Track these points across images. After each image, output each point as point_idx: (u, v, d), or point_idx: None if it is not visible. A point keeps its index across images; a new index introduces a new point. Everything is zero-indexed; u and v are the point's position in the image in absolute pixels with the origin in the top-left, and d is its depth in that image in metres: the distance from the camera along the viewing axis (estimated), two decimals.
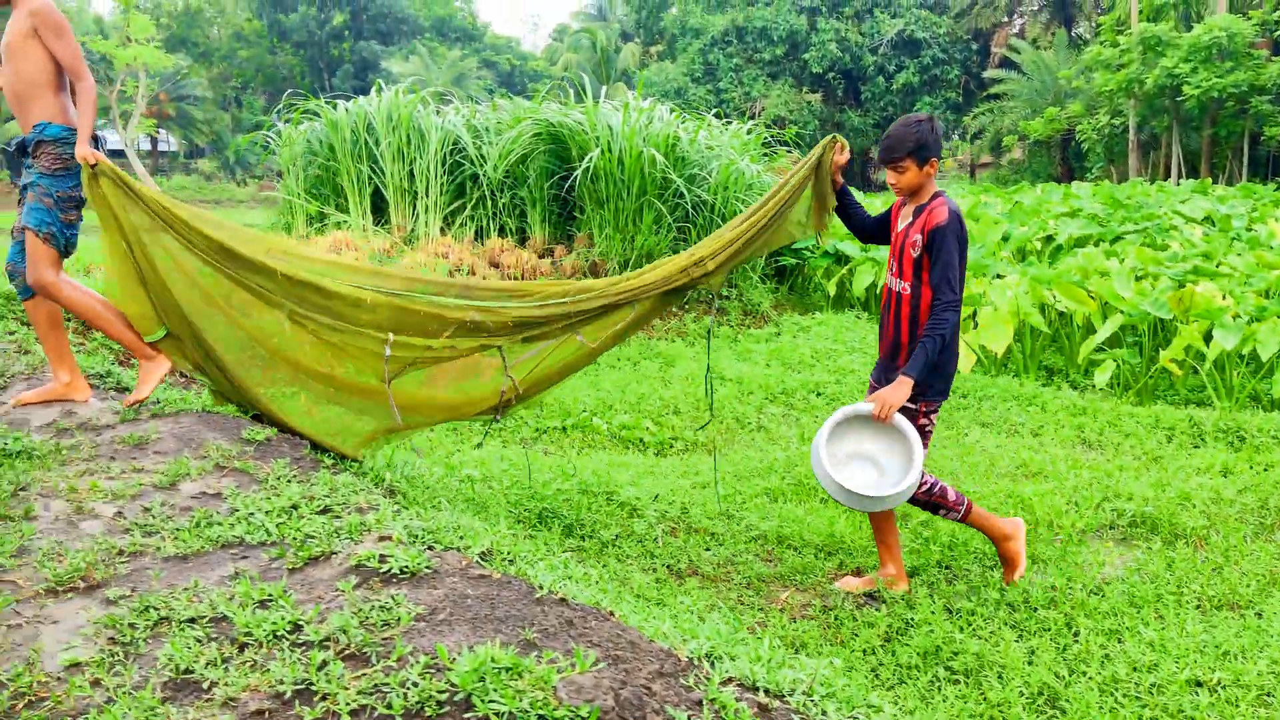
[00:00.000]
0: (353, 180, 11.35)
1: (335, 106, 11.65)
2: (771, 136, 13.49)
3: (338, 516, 3.07)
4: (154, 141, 55.18)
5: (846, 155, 4.49)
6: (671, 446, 6.69)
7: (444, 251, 9.77)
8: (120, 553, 2.81)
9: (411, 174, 11.24)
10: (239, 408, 4.25)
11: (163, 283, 3.95)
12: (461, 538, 2.93)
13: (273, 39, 56.50)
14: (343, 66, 55.14)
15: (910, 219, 4.22)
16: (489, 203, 11.17)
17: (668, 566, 4.40)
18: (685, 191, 10.35)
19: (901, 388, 4.00)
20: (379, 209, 11.58)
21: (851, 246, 11.13)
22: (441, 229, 11.09)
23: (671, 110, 11.14)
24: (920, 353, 4.00)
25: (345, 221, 11.27)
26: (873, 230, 4.52)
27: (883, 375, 4.32)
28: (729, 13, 46.77)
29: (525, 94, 21.71)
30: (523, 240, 10.96)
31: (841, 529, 4.88)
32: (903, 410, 4.11)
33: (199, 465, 3.53)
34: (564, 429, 6.84)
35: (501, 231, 11.10)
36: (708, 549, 4.65)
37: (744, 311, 10.49)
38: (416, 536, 2.87)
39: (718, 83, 45.69)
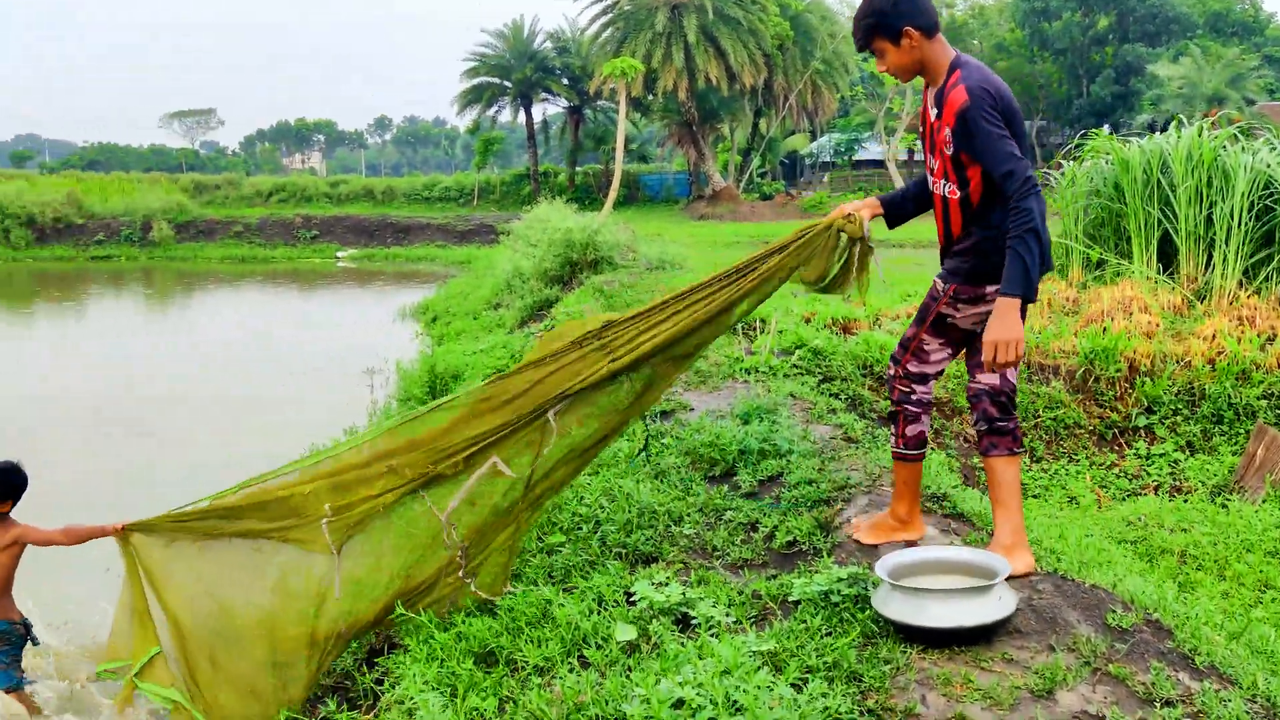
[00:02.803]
0: (1139, 225, 10.68)
1: (1126, 144, 11.05)
2: None
3: None
4: (910, 153, 58.07)
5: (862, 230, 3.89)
6: None
7: (1248, 315, 8.75)
8: None
9: (1209, 219, 10.26)
10: None
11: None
12: None
13: (1033, 48, 56.02)
14: (1103, 72, 52.83)
15: (936, 106, 3.55)
16: None
17: None
18: None
19: (1008, 318, 3.33)
20: (1165, 256, 10.77)
21: None
22: (1240, 282, 9.96)
23: None
24: (1015, 261, 3.32)
25: (1128, 269, 10.66)
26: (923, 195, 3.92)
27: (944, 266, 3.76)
28: None
29: None
30: None
31: None
32: (930, 293, 3.78)
33: (1070, 662, 3.08)
34: None
35: None
36: None
37: None
38: None
39: None
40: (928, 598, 3.24)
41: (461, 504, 4.12)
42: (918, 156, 57.83)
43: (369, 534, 4.16)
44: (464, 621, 4.07)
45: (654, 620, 3.59)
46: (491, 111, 53.44)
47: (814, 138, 58.62)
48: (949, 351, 3.87)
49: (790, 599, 3.63)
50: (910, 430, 3.92)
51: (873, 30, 3.58)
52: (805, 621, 3.41)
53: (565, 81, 51.51)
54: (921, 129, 3.77)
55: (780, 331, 8.98)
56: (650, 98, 45.48)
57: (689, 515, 4.69)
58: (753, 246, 26.79)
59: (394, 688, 3.89)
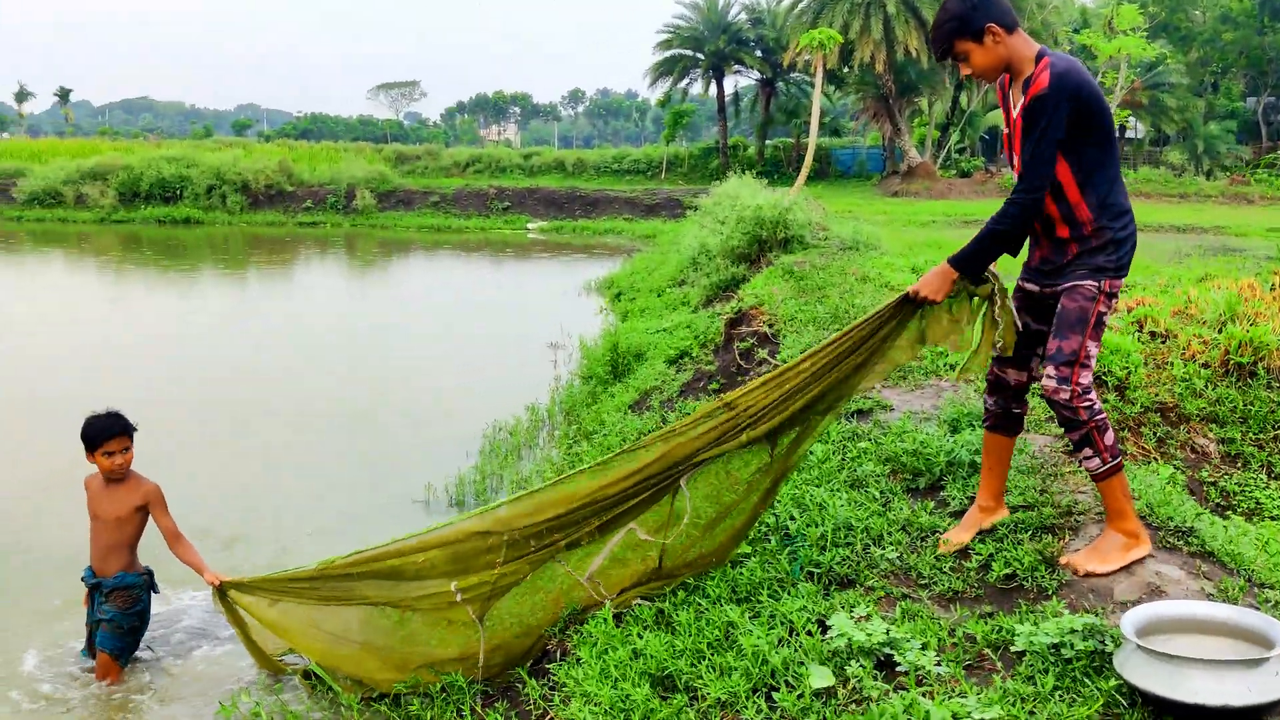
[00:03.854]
0: None
1: None
2: None
3: None
4: (1121, 130, 54.67)
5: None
6: None
7: None
8: None
9: None
10: None
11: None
12: None
13: (1263, 18, 51.69)
14: None
15: (1021, 99, 3.53)
16: None
17: None
18: None
19: (937, 279, 3.65)
20: None
21: None
22: None
23: None
24: (973, 240, 3.63)
25: None
26: None
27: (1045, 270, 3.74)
28: None
29: None
30: None
31: None
32: (1079, 292, 3.58)
33: None
34: None
35: None
36: None
37: None
38: None
39: None
40: (1189, 668, 2.72)
41: (604, 562, 4.22)
42: (1130, 134, 54.53)
43: (509, 596, 4.33)
44: (640, 636, 3.77)
45: (852, 661, 3.19)
46: (683, 84, 53.18)
47: None
48: (1100, 346, 3.72)
49: (1012, 648, 3.16)
50: (1108, 438, 3.60)
51: (954, 34, 3.56)
52: (1034, 680, 2.94)
53: (759, 54, 50.70)
54: (1006, 129, 3.73)
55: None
56: (846, 70, 44.21)
57: (890, 534, 4.24)
58: (950, 226, 25.67)
59: (564, 704, 3.63)
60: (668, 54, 51.86)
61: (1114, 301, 3.62)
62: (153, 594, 5.02)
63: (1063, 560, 3.75)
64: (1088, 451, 3.61)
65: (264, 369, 12.50)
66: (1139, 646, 2.81)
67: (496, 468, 8.16)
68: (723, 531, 4.18)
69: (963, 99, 48.35)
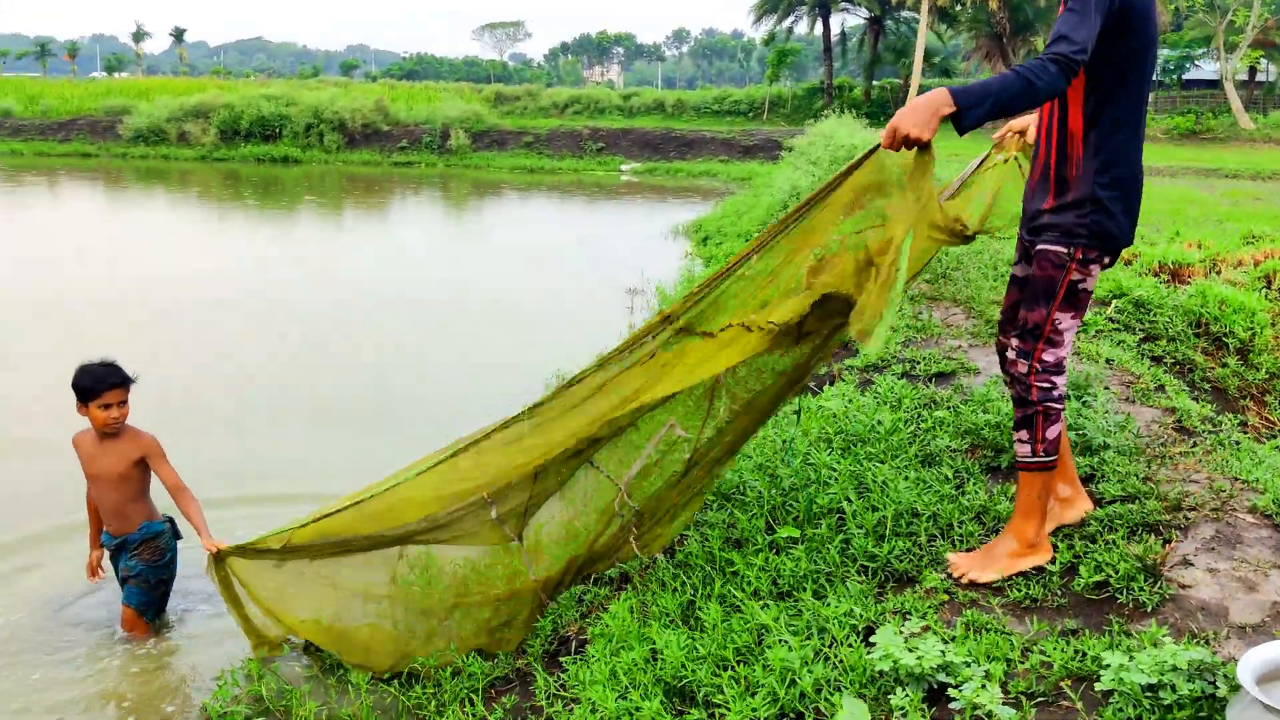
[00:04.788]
0: None
1: None
2: None
3: None
4: (1252, 72, 51.35)
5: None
6: None
7: None
8: None
9: None
10: None
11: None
12: None
13: None
14: None
15: None
16: None
17: None
18: None
19: (924, 109, 2.73)
20: None
21: None
22: None
23: None
24: (988, 82, 2.74)
25: None
26: None
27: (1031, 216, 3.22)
28: None
29: None
30: None
31: None
32: (1045, 257, 3.11)
33: None
34: None
35: None
36: None
37: None
38: None
39: None
40: None
41: (637, 474, 3.74)
42: (1260, 76, 51.24)
43: (544, 510, 3.84)
44: (660, 633, 3.26)
45: (898, 689, 2.63)
46: (788, 22, 51.64)
47: None
48: (1079, 322, 3.24)
49: (1097, 685, 2.56)
50: (1051, 432, 3.20)
51: None
52: None
53: None
54: None
55: None
56: (958, 7, 42.32)
57: (961, 524, 3.63)
58: None
59: (568, 711, 3.16)
60: None
61: (1093, 270, 3.14)
62: (177, 542, 4.69)
63: (948, 556, 3.39)
64: (1023, 434, 3.22)
65: (328, 313, 12.25)
66: (1260, 702, 2.19)
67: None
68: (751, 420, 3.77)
69: None
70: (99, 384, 4.32)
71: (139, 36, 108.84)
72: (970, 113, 2.74)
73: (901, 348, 6.02)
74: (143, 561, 4.51)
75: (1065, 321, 3.16)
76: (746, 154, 35.06)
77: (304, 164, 35.16)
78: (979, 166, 3.94)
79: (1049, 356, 3.17)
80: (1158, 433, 4.30)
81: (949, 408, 4.75)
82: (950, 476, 4.03)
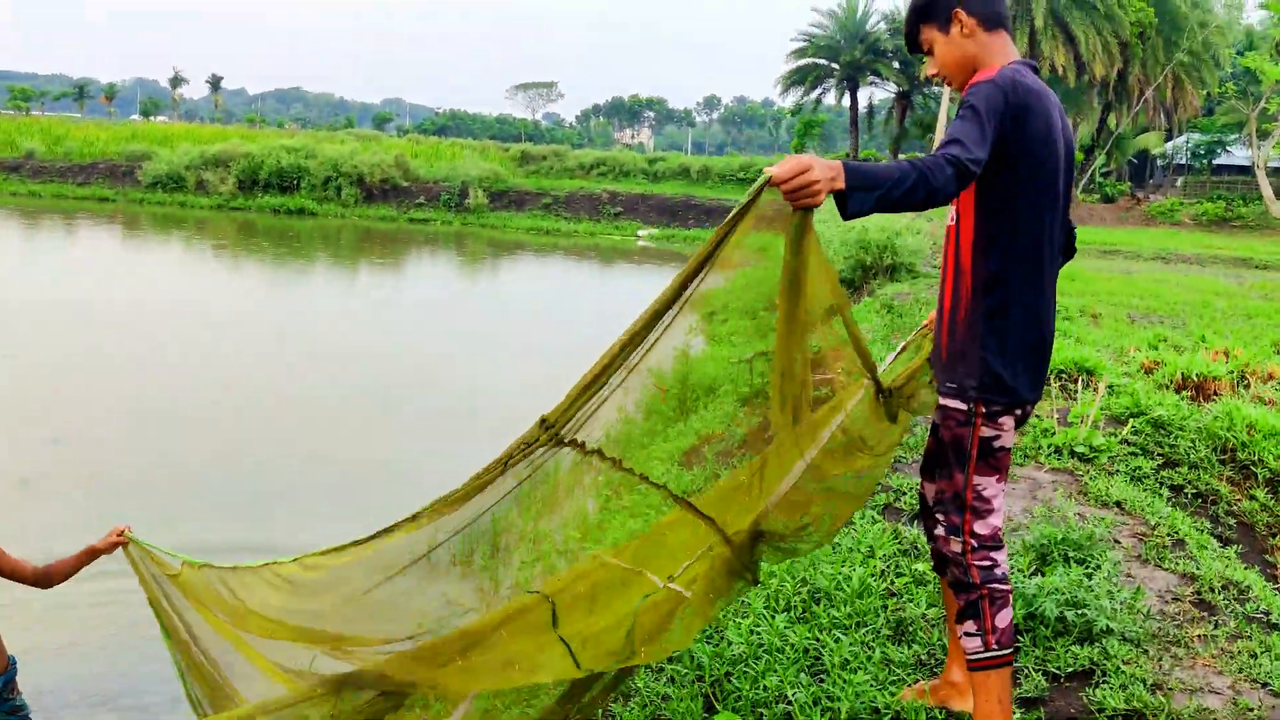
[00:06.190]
0: None
1: None
2: None
3: None
4: None
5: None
6: None
7: None
8: None
9: None
10: None
11: None
12: None
13: None
14: None
15: None
16: None
17: None
18: None
19: (826, 167, 2.18)
20: None
21: None
22: None
23: None
24: (882, 167, 2.25)
25: None
26: None
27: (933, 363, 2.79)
28: None
29: None
30: None
31: None
32: (952, 417, 2.65)
33: None
34: None
35: None
36: None
37: None
38: None
39: None
40: None
41: None
42: None
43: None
44: None
45: None
46: (815, 94, 51.63)
47: (1170, 137, 52.45)
48: (1004, 482, 2.77)
49: None
50: (1002, 618, 2.69)
51: (919, 17, 2.81)
52: None
53: (896, 65, 48.77)
54: None
55: (1110, 389, 6.91)
56: None
57: None
58: (1088, 255, 23.63)
59: None
60: (801, 63, 50.42)
61: (1005, 424, 2.67)
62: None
63: None
64: (970, 626, 2.70)
65: (316, 366, 11.75)
66: None
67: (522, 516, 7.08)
68: None
69: (1110, 120, 45.54)
70: None
71: (176, 82, 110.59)
72: (855, 195, 2.25)
73: (889, 472, 5.38)
74: (16, 702, 3.80)
75: (989, 486, 2.69)
76: (768, 224, 34.69)
77: (319, 217, 35.04)
78: (902, 351, 3.39)
79: (982, 529, 2.69)
80: (1175, 609, 3.64)
81: (929, 559, 4.09)
82: (924, 658, 3.37)
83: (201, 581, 3.24)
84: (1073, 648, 3.26)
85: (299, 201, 35.81)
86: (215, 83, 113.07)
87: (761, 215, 2.38)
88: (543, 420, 2.35)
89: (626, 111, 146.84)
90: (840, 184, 2.22)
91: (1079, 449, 5.70)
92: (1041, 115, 2.60)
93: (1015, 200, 2.61)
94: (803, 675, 3.24)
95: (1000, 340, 2.62)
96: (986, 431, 2.65)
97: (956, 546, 2.71)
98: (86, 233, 27.78)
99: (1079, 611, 3.38)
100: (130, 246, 25.95)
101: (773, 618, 3.59)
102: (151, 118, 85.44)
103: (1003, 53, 2.75)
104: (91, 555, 3.42)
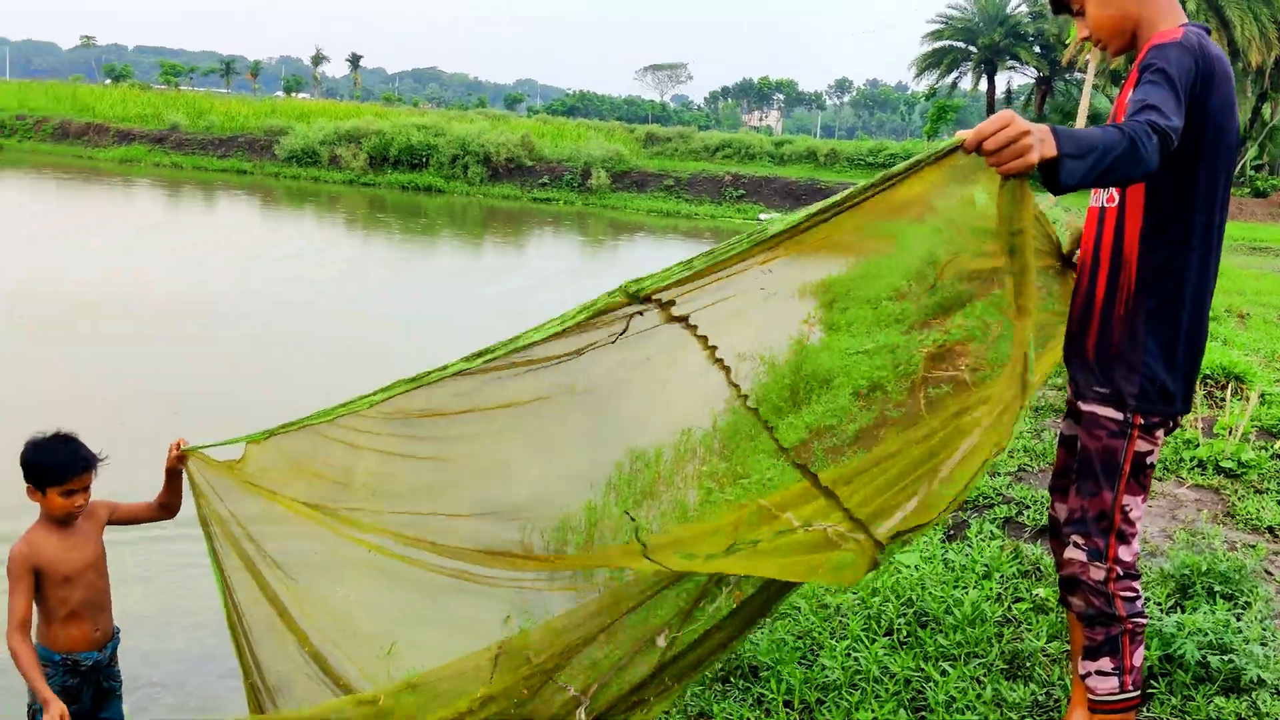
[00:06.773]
0: None
1: None
2: None
3: None
4: None
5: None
6: None
7: None
8: None
9: None
10: None
11: None
12: None
13: None
14: None
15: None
16: None
17: None
18: None
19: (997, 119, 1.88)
20: None
21: None
22: None
23: None
24: (1085, 132, 1.90)
25: None
26: None
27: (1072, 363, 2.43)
28: None
29: None
30: None
31: None
32: (1103, 426, 2.30)
33: None
34: None
35: None
36: None
37: None
38: None
39: None
40: None
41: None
42: None
43: None
44: None
45: None
46: (951, 78, 50.05)
47: None
48: (1146, 501, 2.66)
49: None
50: (1138, 657, 2.41)
51: None
52: None
53: (1036, 50, 46.91)
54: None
55: (1262, 398, 6.32)
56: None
57: None
58: (1237, 251, 22.18)
59: None
60: (937, 45, 48.97)
61: (1159, 437, 2.37)
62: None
63: None
64: (1105, 664, 2.40)
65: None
66: None
67: (617, 507, 6.83)
68: None
69: (1265, 109, 42.90)
70: (68, 468, 3.31)
71: (317, 60, 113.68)
72: (1066, 163, 1.91)
73: (1012, 480, 4.96)
74: (114, 669, 3.69)
75: (1136, 507, 2.41)
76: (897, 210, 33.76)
77: (447, 194, 35.47)
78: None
79: (1126, 555, 2.40)
80: None
81: (1051, 582, 3.70)
82: (1041, 699, 3.00)
83: (273, 460, 3.09)
84: (1216, 699, 2.85)
85: (427, 179, 36.34)
86: (355, 61, 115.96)
87: (954, 166, 2.14)
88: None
89: (755, 94, 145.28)
90: (1051, 149, 1.90)
91: (1225, 464, 5.18)
92: (1225, 84, 2.24)
93: (1196, 180, 2.25)
94: (902, 711, 2.92)
95: (1163, 343, 2.30)
96: (1142, 445, 2.35)
97: (1098, 574, 2.40)
98: (227, 204, 28.67)
99: (1225, 657, 2.97)
100: (285, 225, 26.65)
101: (872, 642, 3.27)
102: (293, 94, 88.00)
103: (1171, 12, 2.37)
104: (171, 477, 3.42)
